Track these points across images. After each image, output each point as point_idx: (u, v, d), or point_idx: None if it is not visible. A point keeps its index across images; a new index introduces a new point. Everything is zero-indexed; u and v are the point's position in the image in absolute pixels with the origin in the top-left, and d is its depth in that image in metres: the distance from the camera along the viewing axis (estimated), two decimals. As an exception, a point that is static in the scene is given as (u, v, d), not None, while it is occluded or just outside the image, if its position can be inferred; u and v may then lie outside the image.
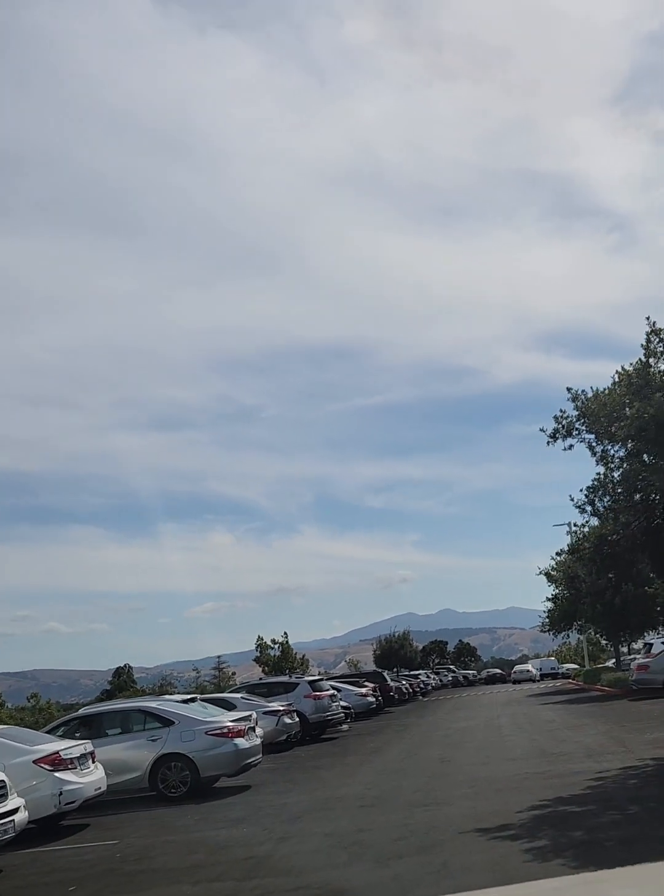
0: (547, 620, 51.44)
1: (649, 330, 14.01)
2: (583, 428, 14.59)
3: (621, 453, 14.56)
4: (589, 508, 14.73)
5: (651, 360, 14.05)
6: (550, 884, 2.37)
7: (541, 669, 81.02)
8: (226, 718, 17.39)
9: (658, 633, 44.63)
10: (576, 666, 71.48)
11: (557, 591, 48.23)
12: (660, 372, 13.94)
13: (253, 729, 17.93)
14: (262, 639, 54.28)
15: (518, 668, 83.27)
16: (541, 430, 15.03)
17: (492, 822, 10.37)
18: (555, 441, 14.82)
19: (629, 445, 14.11)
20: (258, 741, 17.86)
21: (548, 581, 48.31)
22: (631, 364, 14.40)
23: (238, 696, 25.08)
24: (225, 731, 16.63)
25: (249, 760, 17.13)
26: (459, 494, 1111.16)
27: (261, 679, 36.24)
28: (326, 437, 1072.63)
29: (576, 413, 14.60)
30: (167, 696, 22.12)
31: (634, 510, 14.22)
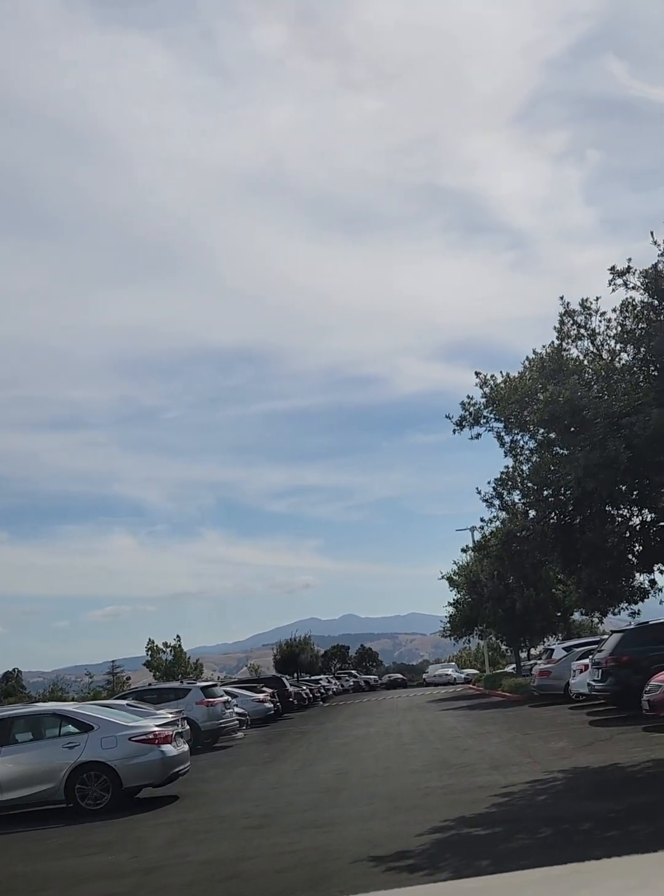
0: (448, 625, 50.91)
1: (562, 311, 12.99)
2: (492, 415, 13.55)
3: (531, 445, 13.61)
4: (497, 502, 13.67)
5: (564, 343, 13.07)
6: (539, 873, 2.32)
7: (441, 672, 79.58)
8: (151, 723, 16.03)
9: (558, 639, 44.46)
10: (475, 671, 71.42)
11: (459, 595, 47.76)
12: (573, 359, 13.00)
13: (181, 735, 16.74)
14: (153, 642, 52.41)
15: (438, 672, 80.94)
16: (448, 416, 13.90)
17: (389, 848, 9.24)
18: (461, 429, 13.71)
19: (540, 435, 13.17)
20: (185, 748, 16.54)
21: (450, 586, 47.80)
22: (543, 347, 13.43)
23: (123, 703, 23.50)
24: (150, 737, 15.21)
25: (178, 769, 15.80)
26: (362, 501, 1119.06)
27: (150, 684, 34.66)
28: (230, 441, 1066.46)
29: (484, 400, 13.58)
30: (40, 704, 20.44)
31: (544, 505, 13.27)
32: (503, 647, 64.41)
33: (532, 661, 46.47)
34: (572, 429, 11.91)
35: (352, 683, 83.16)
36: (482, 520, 13.98)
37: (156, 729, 15.50)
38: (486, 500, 13.51)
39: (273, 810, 13.05)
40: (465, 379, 14.16)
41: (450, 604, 50.03)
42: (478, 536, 14.27)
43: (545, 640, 47.43)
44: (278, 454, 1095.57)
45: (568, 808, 10.77)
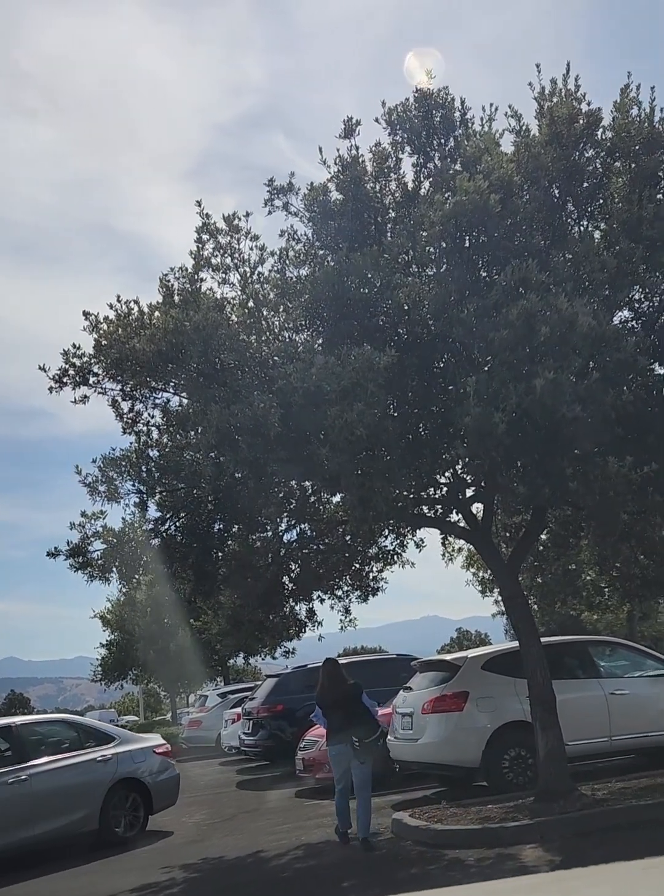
0: (99, 669, 46.24)
1: (200, 223, 9.35)
2: (102, 373, 9.61)
3: (159, 420, 9.87)
4: (103, 489, 9.71)
5: (201, 273, 9.44)
6: (525, 881, 2.39)
7: (100, 720, 77.57)
8: (157, 735, 14.58)
9: (216, 684, 41.28)
10: (135, 718, 67.20)
11: (113, 636, 43.56)
12: (216, 299, 9.35)
13: None
14: None
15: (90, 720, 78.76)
16: (41, 368, 9.79)
17: None
18: (60, 387, 9.75)
19: (165, 393, 9.51)
20: None
21: (103, 625, 43.35)
22: (171, 270, 9.66)
23: None
24: (167, 750, 13.46)
25: None
26: (28, 538, 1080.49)
27: None
28: None
29: (95, 351, 9.57)
30: None
31: (173, 499, 9.66)
32: (162, 693, 60.81)
33: (187, 709, 42.96)
34: (205, 379, 8.47)
35: (-5, 734, 76.76)
36: (83, 515, 9.94)
37: (164, 741, 13.85)
38: (89, 486, 9.54)
39: None
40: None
41: (102, 645, 45.54)
42: (79, 532, 10.18)
43: (204, 685, 44.18)
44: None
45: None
